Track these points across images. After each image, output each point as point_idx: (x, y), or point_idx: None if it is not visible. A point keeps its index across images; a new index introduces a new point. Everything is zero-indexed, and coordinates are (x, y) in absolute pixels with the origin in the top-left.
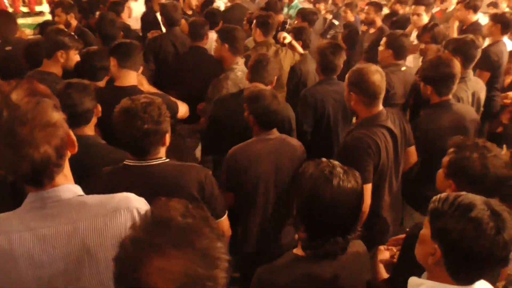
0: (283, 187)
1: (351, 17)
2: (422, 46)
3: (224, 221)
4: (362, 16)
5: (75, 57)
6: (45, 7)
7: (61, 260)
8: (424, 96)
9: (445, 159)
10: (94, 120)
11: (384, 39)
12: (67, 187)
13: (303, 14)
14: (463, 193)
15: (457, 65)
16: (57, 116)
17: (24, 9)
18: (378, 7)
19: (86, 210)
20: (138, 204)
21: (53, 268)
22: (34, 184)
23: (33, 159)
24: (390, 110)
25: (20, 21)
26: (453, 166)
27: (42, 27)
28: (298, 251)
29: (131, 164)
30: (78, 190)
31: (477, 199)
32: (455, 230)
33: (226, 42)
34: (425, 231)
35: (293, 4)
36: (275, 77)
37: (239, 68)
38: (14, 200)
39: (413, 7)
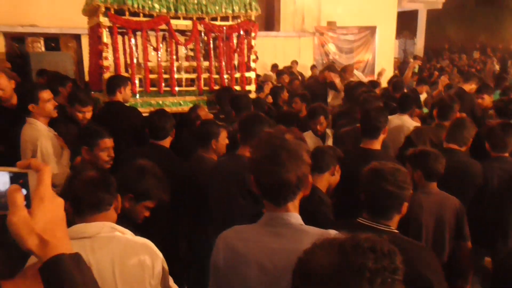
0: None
1: None
2: None
3: None
4: None
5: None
6: (252, 87)
7: (280, 271)
8: None
9: None
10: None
11: None
12: (295, 215)
13: None
14: None
15: None
16: (306, 158)
17: (237, 87)
18: None
19: (307, 237)
20: None
21: (272, 276)
22: (273, 201)
23: (280, 177)
24: None
25: None
26: None
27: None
28: None
29: (364, 223)
30: (301, 220)
31: None
32: None
33: None
34: None
35: None
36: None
37: None
38: None
39: None
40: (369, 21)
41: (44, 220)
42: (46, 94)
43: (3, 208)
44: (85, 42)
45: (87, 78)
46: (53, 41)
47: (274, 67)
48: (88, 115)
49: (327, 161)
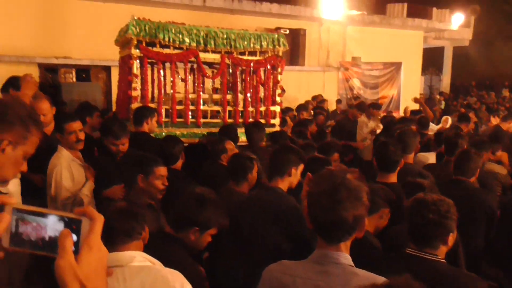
0: None
1: None
2: None
3: None
4: None
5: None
6: (276, 121)
7: None
8: None
9: None
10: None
11: None
12: (346, 255)
13: None
14: None
15: None
16: (366, 200)
17: (262, 121)
18: None
19: (355, 279)
20: None
21: None
22: (326, 238)
23: (337, 214)
24: None
25: None
26: None
27: (271, 137)
28: None
29: (411, 253)
30: (351, 261)
31: None
32: None
33: None
34: None
35: None
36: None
37: None
38: None
39: None
40: (395, 57)
41: (88, 268)
42: (75, 125)
43: (54, 251)
44: (114, 73)
45: (114, 108)
46: (84, 72)
47: (314, 98)
48: (123, 147)
49: (377, 203)
